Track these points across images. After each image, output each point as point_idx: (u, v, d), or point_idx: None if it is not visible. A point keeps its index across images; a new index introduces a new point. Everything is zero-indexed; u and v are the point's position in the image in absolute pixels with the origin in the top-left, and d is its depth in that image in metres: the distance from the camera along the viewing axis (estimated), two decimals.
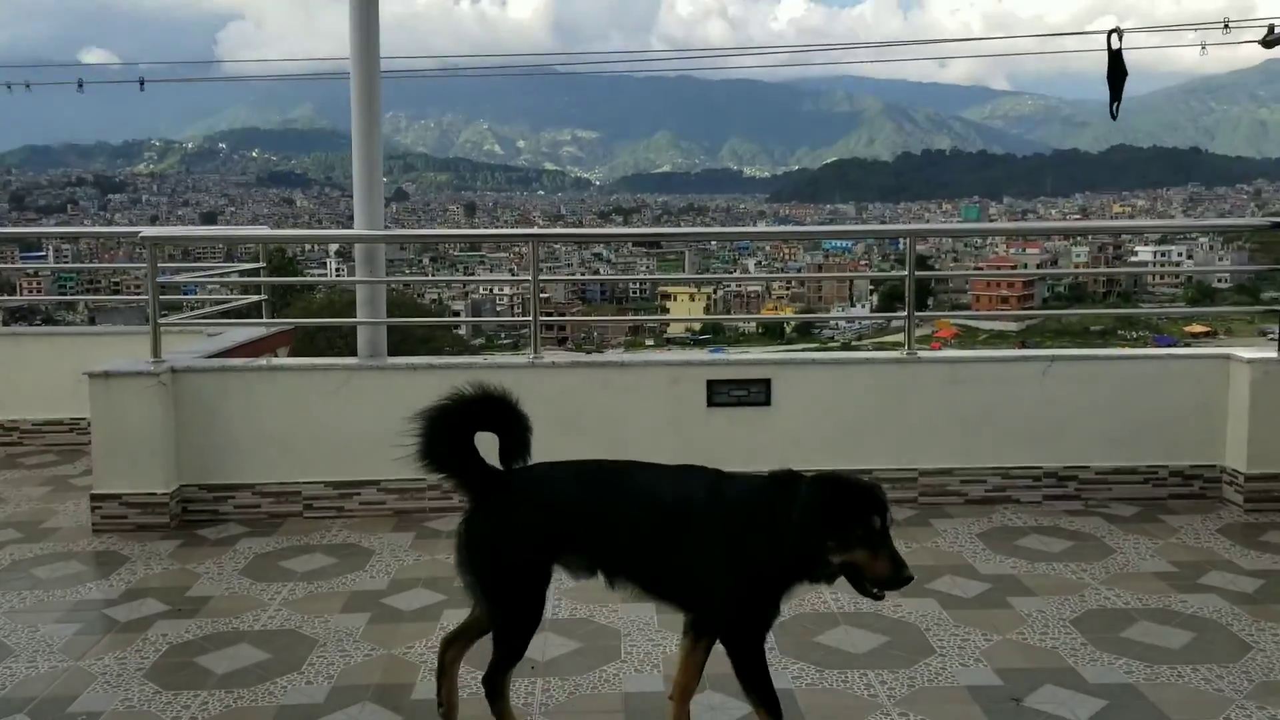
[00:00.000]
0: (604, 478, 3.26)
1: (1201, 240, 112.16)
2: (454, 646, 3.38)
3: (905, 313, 5.94)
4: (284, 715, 3.60)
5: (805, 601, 4.42)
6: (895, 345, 6.42)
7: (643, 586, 3.16)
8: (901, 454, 5.86)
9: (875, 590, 2.92)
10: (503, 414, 3.19)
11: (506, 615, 3.17)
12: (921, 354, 5.96)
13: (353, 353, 6.23)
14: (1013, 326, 73.31)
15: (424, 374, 5.83)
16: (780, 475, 3.05)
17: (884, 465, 5.80)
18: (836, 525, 2.85)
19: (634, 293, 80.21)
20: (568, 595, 4.62)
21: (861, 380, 5.92)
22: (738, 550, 2.98)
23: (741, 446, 5.66)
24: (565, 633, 4.25)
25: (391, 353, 6.20)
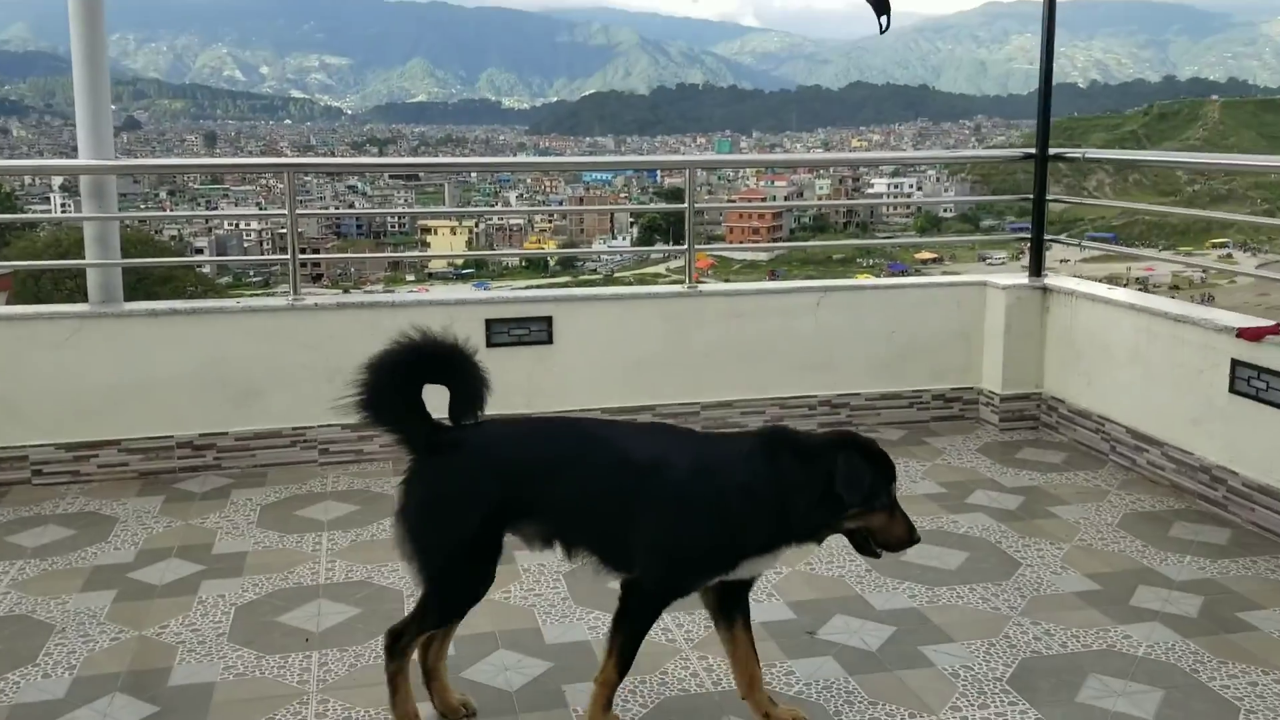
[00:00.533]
0: (566, 438, 2.98)
1: (929, 172, 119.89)
2: (433, 644, 3.03)
3: (685, 246, 5.85)
4: (18, 716, 3.16)
5: None
6: (658, 278, 6.34)
7: (605, 561, 2.87)
8: (685, 388, 5.81)
9: (879, 551, 2.85)
10: (456, 365, 2.87)
11: (442, 587, 2.87)
12: (703, 287, 5.91)
13: (84, 298, 5.56)
14: (763, 256, 76.09)
15: (167, 321, 5.28)
16: (773, 437, 2.83)
17: (668, 401, 5.75)
18: (870, 494, 2.75)
19: (393, 227, 77.77)
20: (342, 556, 4.31)
21: (644, 315, 5.80)
22: (730, 531, 2.74)
23: (523, 387, 5.47)
24: (340, 598, 3.95)
25: (128, 296, 5.57)
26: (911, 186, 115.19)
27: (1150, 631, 3.65)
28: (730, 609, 2.96)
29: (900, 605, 3.87)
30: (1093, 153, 6.02)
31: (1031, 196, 6.11)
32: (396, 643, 2.91)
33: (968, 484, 5.16)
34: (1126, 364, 5.37)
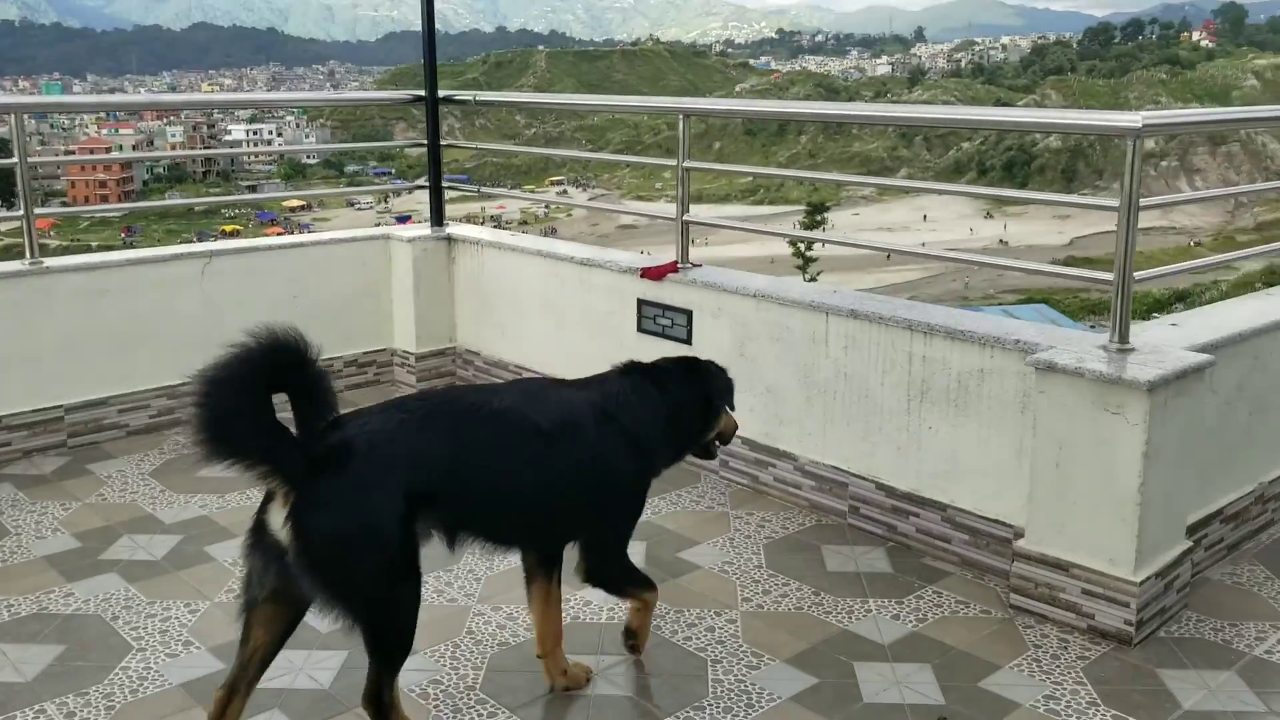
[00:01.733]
0: (455, 417, 2.66)
1: (289, 119, 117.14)
2: (235, 699, 2.53)
3: (21, 211, 4.63)
4: None
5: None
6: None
7: (516, 535, 2.79)
8: (39, 391, 4.68)
9: (717, 451, 3.21)
10: (299, 366, 2.44)
11: (385, 619, 2.48)
12: (51, 262, 4.75)
13: None
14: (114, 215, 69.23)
15: None
16: (640, 370, 3.02)
17: (16, 410, 4.59)
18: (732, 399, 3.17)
19: None
20: None
21: None
22: (650, 462, 2.94)
23: None
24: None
25: None
26: (271, 132, 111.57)
27: None
28: (550, 566, 2.92)
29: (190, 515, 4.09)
30: (484, 96, 5.83)
31: (425, 142, 5.76)
32: (381, 706, 2.51)
33: None
34: (539, 311, 5.27)
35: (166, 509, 4.18)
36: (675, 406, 2.94)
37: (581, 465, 2.74)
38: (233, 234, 76.52)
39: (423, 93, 5.67)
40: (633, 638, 3.10)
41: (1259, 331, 3.69)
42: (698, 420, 3.05)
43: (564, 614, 3.01)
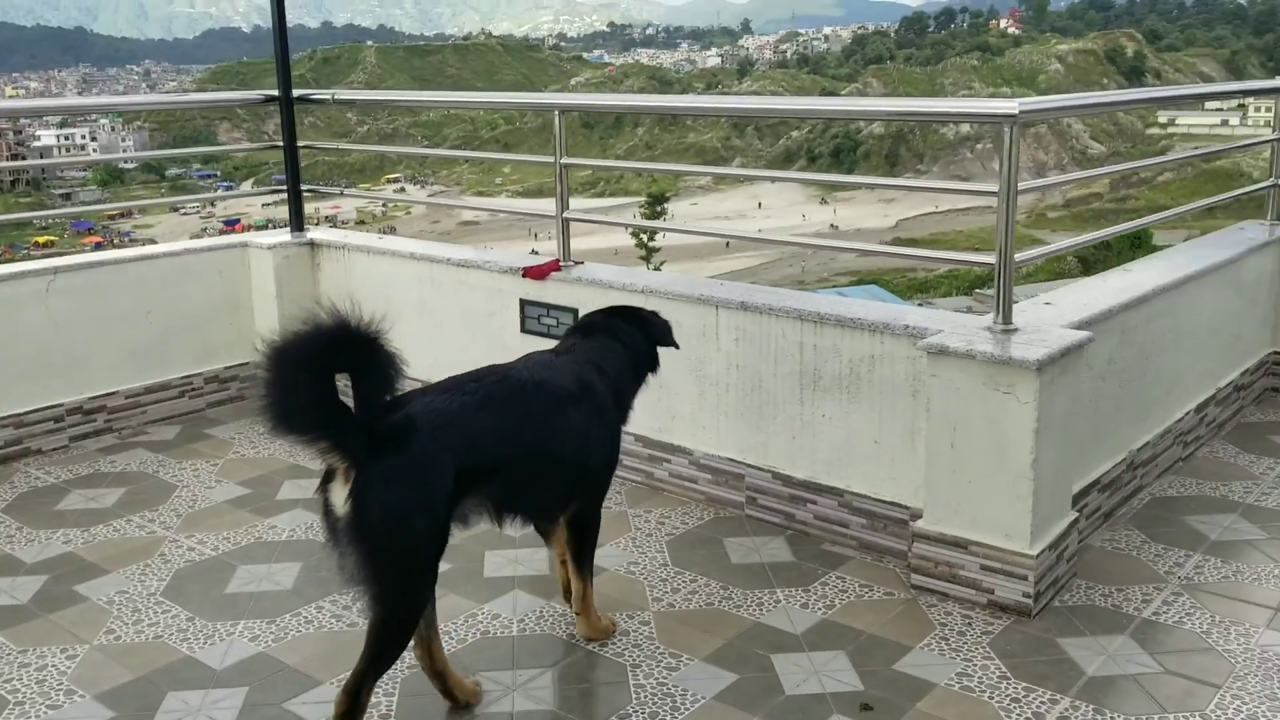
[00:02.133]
0: (507, 392, 2.78)
1: (103, 122, 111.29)
2: (432, 643, 2.75)
3: None
4: None
5: None
6: None
7: (544, 507, 2.97)
8: None
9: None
10: (364, 346, 2.48)
11: (407, 607, 2.55)
12: None
13: None
14: None
15: None
16: (598, 325, 3.24)
17: None
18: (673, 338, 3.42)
19: None
20: None
21: None
22: (627, 408, 3.18)
23: None
24: None
25: None
26: (84, 137, 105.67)
27: (293, 518, 4.04)
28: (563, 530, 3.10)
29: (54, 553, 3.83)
30: (343, 93, 5.61)
31: (281, 144, 5.51)
32: (357, 701, 2.50)
33: (272, 477, 4.53)
34: (414, 316, 5.11)
35: (26, 548, 3.88)
36: (634, 356, 3.23)
37: (599, 423, 2.98)
38: (47, 245, 72.24)
39: (276, 92, 5.43)
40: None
41: (1126, 307, 3.87)
42: (649, 364, 3.31)
43: (475, 628, 2.96)
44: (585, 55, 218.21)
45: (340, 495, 2.44)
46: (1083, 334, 3.39)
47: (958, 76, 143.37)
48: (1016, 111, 3.27)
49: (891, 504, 3.68)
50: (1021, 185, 3.39)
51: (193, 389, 5.26)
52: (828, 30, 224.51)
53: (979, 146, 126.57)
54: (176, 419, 5.19)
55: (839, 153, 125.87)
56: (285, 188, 5.56)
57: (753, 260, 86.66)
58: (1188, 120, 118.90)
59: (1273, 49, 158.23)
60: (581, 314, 4.34)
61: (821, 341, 3.76)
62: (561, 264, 4.57)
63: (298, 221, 5.58)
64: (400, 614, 2.53)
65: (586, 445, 2.93)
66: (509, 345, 4.69)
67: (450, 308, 4.95)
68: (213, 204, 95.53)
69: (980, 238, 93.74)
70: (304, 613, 3.39)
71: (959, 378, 3.30)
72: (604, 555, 3.74)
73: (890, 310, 3.74)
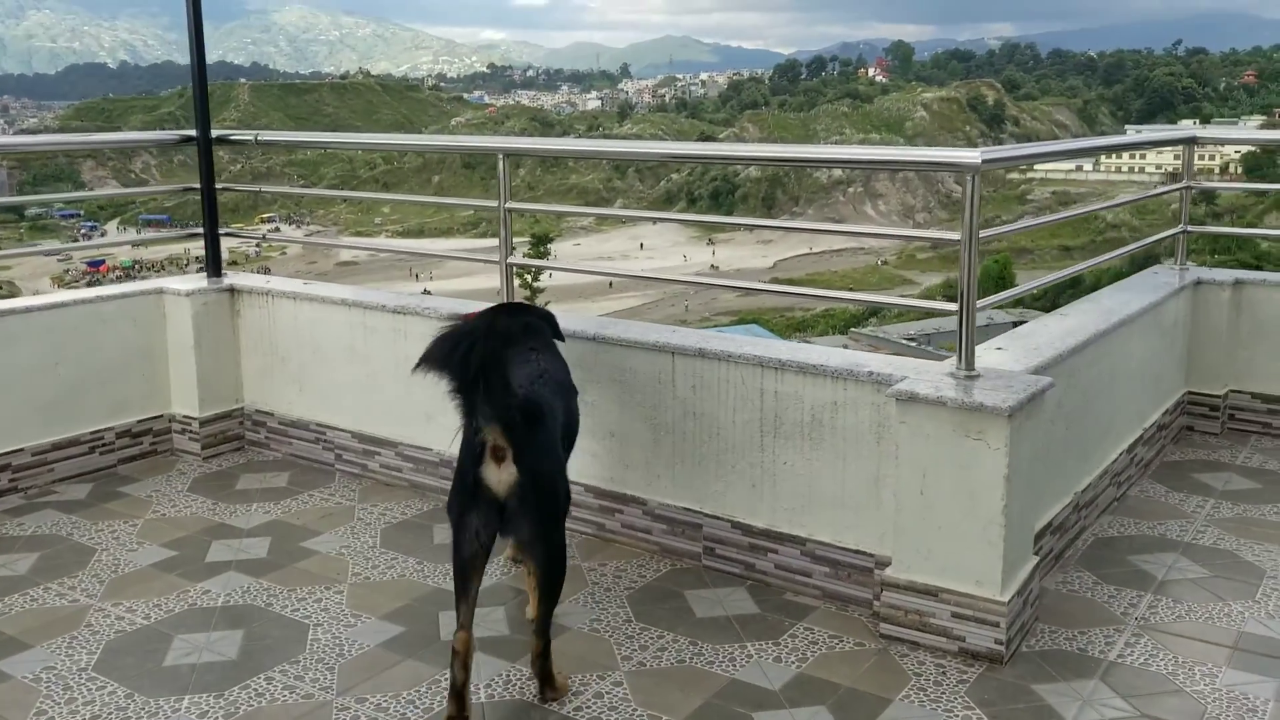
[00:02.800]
0: (552, 385, 3.27)
1: None
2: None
3: None
4: None
5: None
6: None
7: None
8: None
9: None
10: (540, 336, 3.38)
11: (564, 554, 3.08)
12: None
13: None
14: None
15: None
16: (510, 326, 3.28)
17: None
18: None
19: None
20: None
21: None
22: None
23: None
24: None
25: None
26: None
27: (227, 581, 3.83)
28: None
29: None
30: (266, 134, 5.39)
31: (199, 186, 5.28)
32: (548, 639, 3.04)
33: (199, 538, 4.27)
34: (344, 364, 4.93)
35: None
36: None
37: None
38: None
39: (193, 132, 5.20)
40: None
41: (1073, 351, 3.95)
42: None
43: (440, 695, 3.01)
44: (465, 96, 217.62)
45: (498, 471, 2.83)
46: (1046, 380, 3.44)
47: (830, 122, 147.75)
48: (979, 161, 3.32)
49: (856, 551, 3.66)
50: (984, 232, 3.43)
51: (104, 444, 4.96)
52: (704, 76, 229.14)
53: (851, 190, 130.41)
54: (87, 477, 4.87)
55: (717, 195, 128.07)
56: (202, 230, 5.32)
57: (635, 300, 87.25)
58: (1044, 166, 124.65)
59: (1121, 99, 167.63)
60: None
61: (782, 388, 3.73)
62: None
63: (214, 266, 5.34)
64: (564, 556, 3.06)
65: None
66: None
67: (384, 356, 4.78)
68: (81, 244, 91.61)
69: (854, 278, 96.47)
70: (253, 684, 3.18)
71: (928, 424, 3.30)
72: (565, 612, 3.62)
73: (851, 357, 3.74)
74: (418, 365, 2.85)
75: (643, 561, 4.05)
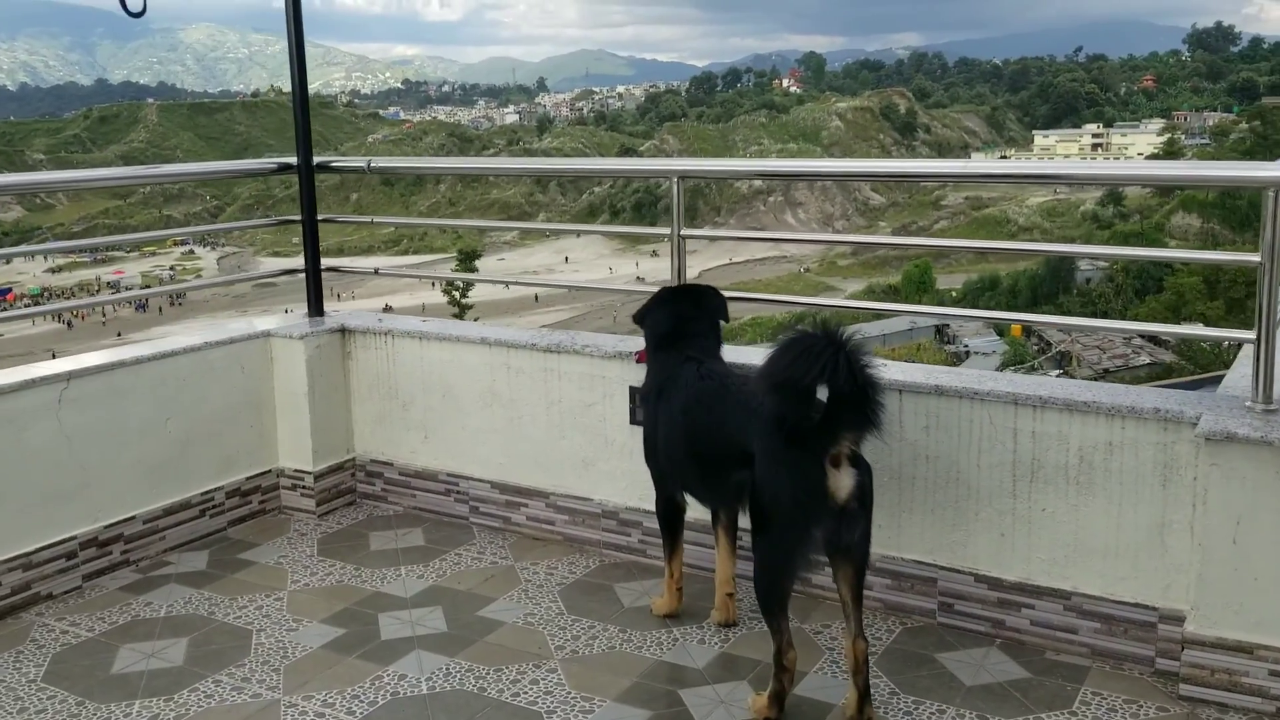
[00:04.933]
0: None
1: None
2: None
3: None
4: None
5: None
6: None
7: None
8: None
9: None
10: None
11: None
12: None
13: None
14: None
15: None
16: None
17: None
18: None
19: None
20: None
21: None
22: None
23: None
24: None
25: None
26: None
27: (419, 662, 3.47)
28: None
29: None
30: (381, 162, 4.91)
31: (299, 218, 4.80)
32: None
33: (360, 611, 3.81)
34: (483, 408, 4.50)
35: None
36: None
37: None
38: None
39: (294, 159, 4.73)
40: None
41: None
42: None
43: (383, 690, 3.28)
44: (381, 112, 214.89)
45: (839, 477, 2.88)
46: None
47: (748, 133, 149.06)
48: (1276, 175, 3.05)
49: (1133, 605, 3.35)
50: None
51: (214, 505, 4.45)
52: (621, 89, 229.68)
53: (771, 199, 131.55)
54: (199, 543, 4.37)
55: (640, 207, 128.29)
56: (304, 267, 4.84)
57: (563, 313, 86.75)
58: None
59: (1027, 105, 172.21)
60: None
61: (1042, 428, 3.42)
62: None
63: (318, 304, 4.86)
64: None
65: None
66: (612, 439, 4.18)
67: (533, 399, 4.36)
68: None
69: (777, 286, 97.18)
70: None
71: (1245, 466, 3.02)
72: (806, 694, 3.25)
73: (1125, 392, 3.43)
74: (779, 383, 2.85)
75: (868, 621, 3.70)
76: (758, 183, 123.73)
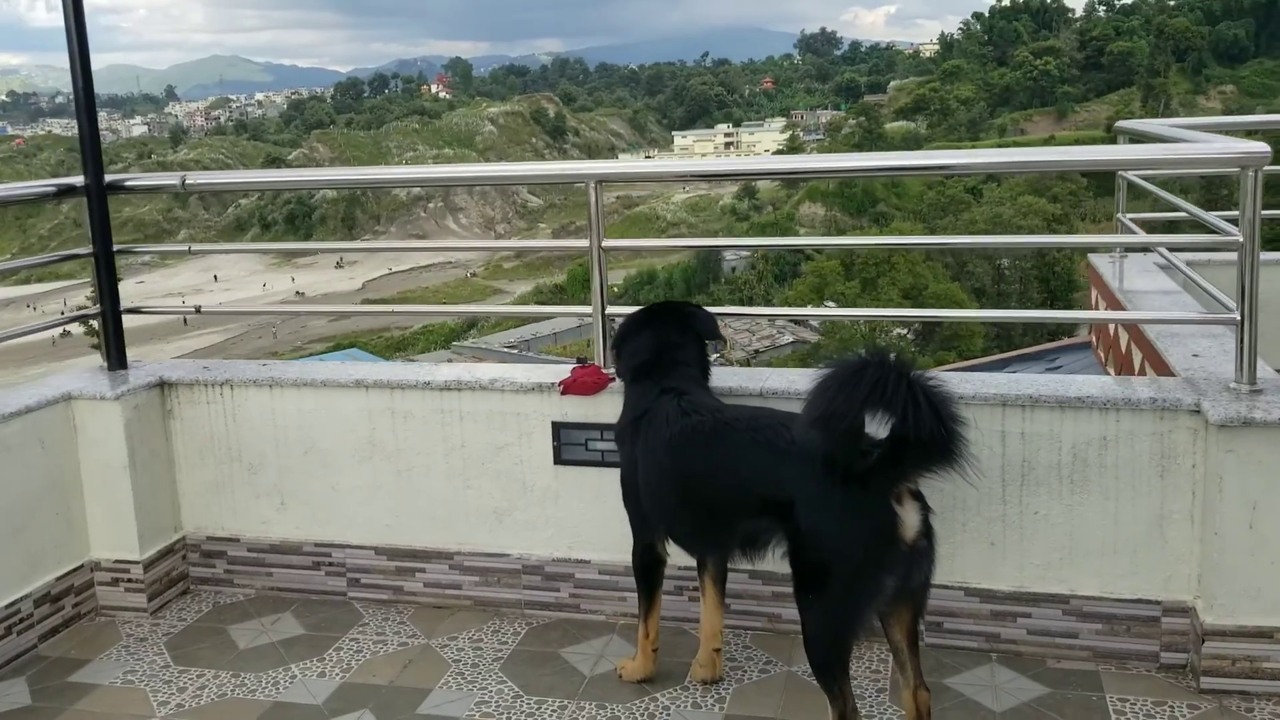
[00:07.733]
0: None
1: None
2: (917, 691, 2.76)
3: None
4: None
5: None
6: None
7: None
8: None
9: None
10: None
11: None
12: None
13: None
14: None
15: None
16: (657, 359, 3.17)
17: None
18: None
19: None
20: None
21: None
22: None
23: None
24: None
25: None
26: None
27: None
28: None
29: None
30: (197, 177, 3.96)
31: (90, 251, 3.85)
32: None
33: None
34: (357, 462, 3.79)
35: None
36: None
37: None
38: None
39: (80, 179, 3.77)
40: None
41: None
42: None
43: None
44: None
45: (905, 513, 2.60)
46: None
47: (402, 139, 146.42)
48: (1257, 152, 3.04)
49: (1135, 601, 3.26)
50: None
51: (20, 619, 3.46)
52: (260, 96, 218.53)
53: (431, 205, 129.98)
54: (8, 669, 3.38)
55: (293, 219, 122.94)
56: (99, 309, 3.87)
57: (217, 336, 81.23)
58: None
59: (665, 107, 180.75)
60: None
61: (1032, 428, 3.26)
62: (607, 371, 3.60)
63: (119, 355, 3.92)
64: None
65: None
66: (532, 484, 3.65)
67: (427, 446, 3.71)
68: None
69: (446, 293, 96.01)
70: None
71: (1261, 450, 2.98)
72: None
73: (1119, 385, 3.31)
74: (827, 419, 2.50)
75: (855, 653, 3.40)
76: (416, 190, 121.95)
